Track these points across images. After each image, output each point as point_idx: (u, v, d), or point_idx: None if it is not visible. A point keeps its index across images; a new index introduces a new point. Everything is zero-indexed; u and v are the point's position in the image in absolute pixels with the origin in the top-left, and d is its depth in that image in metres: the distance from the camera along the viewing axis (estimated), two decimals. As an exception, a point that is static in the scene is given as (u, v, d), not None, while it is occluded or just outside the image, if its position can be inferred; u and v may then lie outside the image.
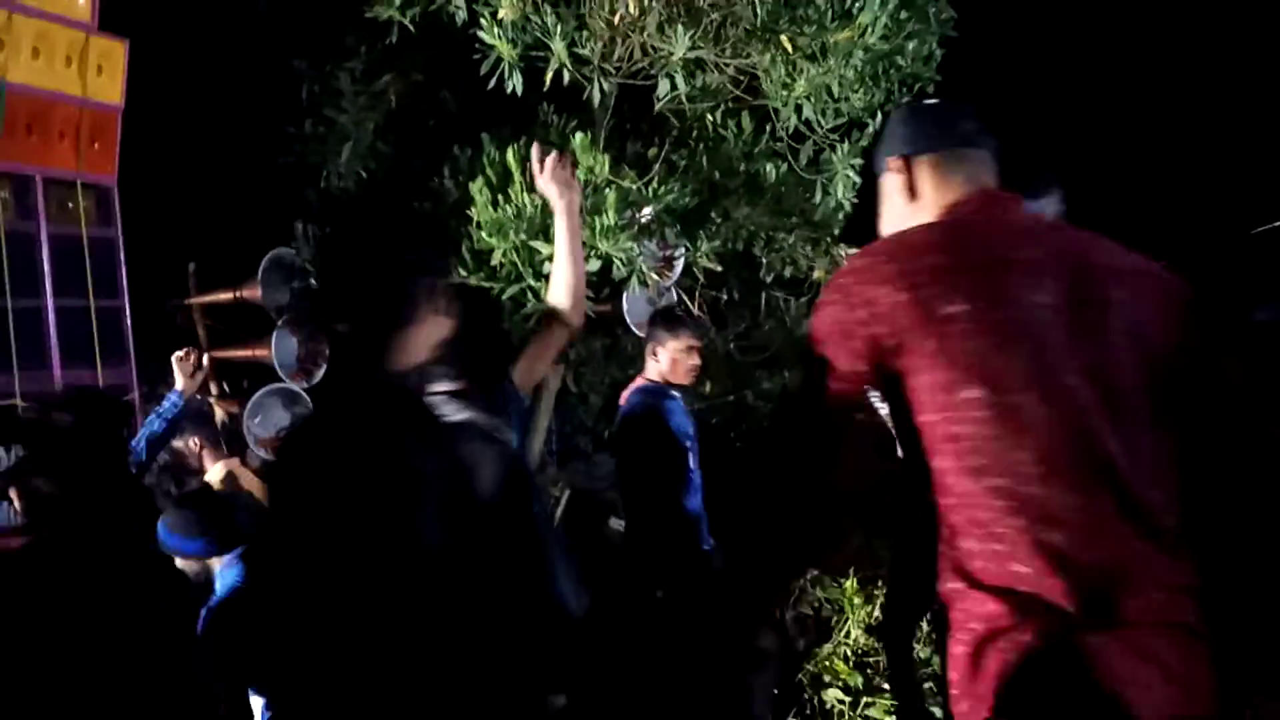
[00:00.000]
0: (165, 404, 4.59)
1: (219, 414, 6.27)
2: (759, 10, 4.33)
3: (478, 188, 4.84)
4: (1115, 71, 8.67)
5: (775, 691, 5.04)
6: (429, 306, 1.99)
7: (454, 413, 2.32)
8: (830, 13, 4.26)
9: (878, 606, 5.67)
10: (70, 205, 5.55)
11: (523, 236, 4.70)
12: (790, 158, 5.00)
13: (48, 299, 5.46)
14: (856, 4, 4.21)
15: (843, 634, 5.59)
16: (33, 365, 5.35)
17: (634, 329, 5.79)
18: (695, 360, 4.74)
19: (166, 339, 6.58)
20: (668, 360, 4.72)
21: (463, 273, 5.14)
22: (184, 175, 6.57)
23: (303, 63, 5.82)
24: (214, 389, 6.35)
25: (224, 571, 3.43)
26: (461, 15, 4.49)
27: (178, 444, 4.78)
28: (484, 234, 4.77)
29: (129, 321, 6.12)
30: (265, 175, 6.05)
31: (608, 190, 4.57)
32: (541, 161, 2.88)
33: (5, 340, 5.17)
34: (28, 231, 5.38)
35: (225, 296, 6.28)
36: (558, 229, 2.90)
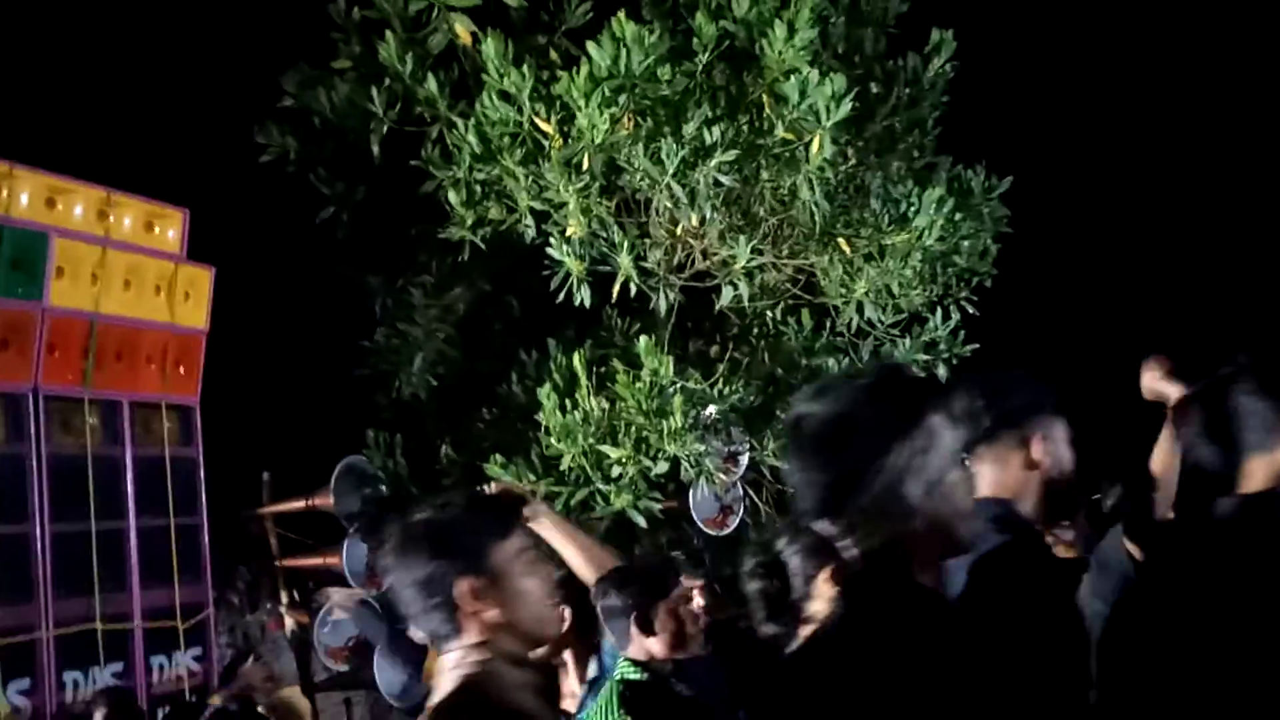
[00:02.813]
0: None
1: (289, 623, 6.24)
2: (816, 216, 4.47)
3: (545, 393, 4.93)
4: (1172, 257, 8.69)
5: None
6: None
7: None
8: (886, 216, 4.40)
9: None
10: (154, 427, 5.74)
11: (590, 440, 4.74)
12: (851, 353, 5.06)
13: (130, 520, 5.59)
14: (911, 208, 4.35)
15: None
16: (111, 588, 5.43)
17: (700, 525, 5.75)
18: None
19: (240, 548, 6.66)
20: None
21: (531, 477, 5.18)
22: (261, 388, 6.80)
23: (377, 279, 6.08)
24: (284, 598, 6.35)
25: None
26: (530, 233, 4.69)
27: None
28: (552, 439, 4.82)
29: (207, 539, 6.23)
30: (339, 386, 6.23)
31: (674, 393, 4.63)
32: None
33: (88, 564, 5.27)
34: (113, 455, 5.55)
35: (298, 505, 6.35)
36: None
